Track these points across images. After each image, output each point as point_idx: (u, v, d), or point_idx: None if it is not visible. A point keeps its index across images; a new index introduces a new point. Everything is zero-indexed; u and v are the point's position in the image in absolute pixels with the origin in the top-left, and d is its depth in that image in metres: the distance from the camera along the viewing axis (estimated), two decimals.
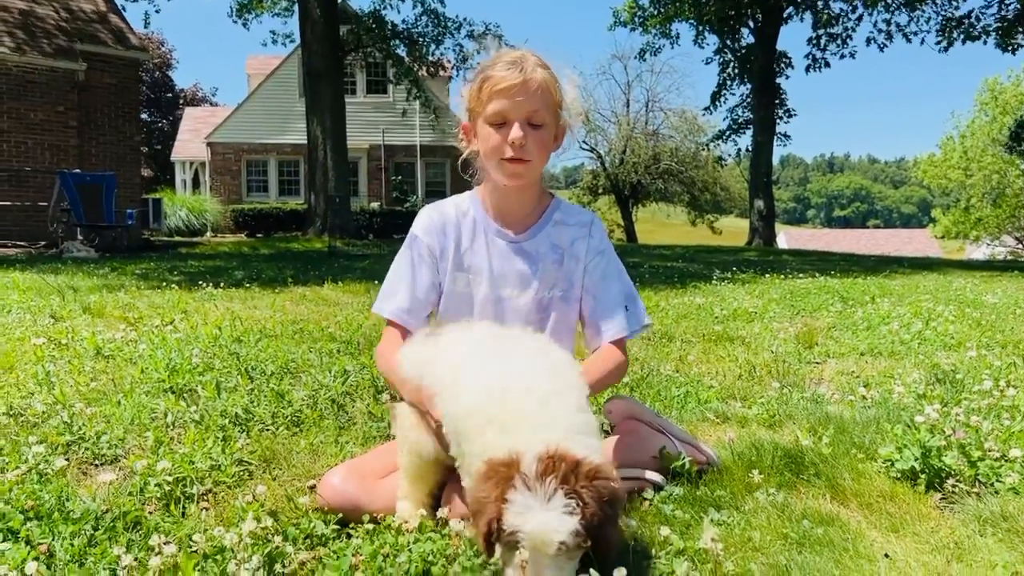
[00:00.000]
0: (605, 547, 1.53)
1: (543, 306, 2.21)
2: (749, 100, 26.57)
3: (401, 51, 20.96)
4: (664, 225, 53.99)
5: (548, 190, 2.32)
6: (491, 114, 2.07)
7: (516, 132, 2.05)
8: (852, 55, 25.74)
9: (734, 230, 41.83)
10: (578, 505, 1.47)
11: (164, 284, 7.56)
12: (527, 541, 1.46)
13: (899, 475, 2.31)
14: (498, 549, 1.53)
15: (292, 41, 21.53)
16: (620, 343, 2.21)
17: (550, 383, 1.70)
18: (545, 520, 1.45)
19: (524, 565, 1.47)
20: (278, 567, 1.66)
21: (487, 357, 1.81)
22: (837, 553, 1.81)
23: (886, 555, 1.82)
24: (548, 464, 1.50)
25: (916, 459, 2.30)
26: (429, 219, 2.24)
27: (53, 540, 1.82)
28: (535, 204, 2.25)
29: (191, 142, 31.31)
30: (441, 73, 22.56)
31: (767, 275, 9.75)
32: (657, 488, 2.20)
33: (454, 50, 21.18)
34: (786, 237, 45.48)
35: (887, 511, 2.11)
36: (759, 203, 25.35)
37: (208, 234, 23.70)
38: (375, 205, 27.19)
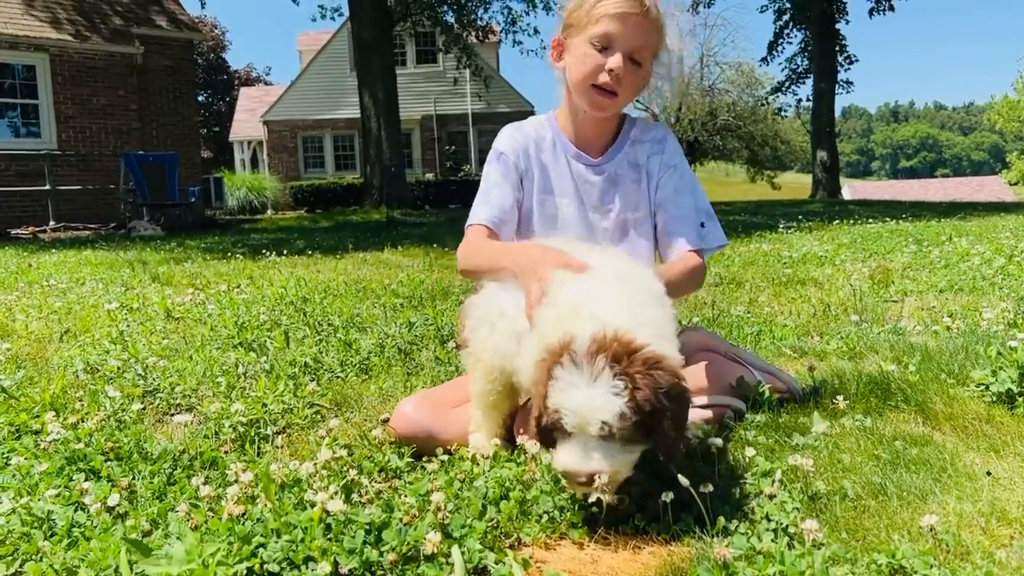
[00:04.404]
0: (663, 445, 1.46)
1: (624, 228, 2.15)
2: (808, 48, 25.69)
3: (449, 17, 20.78)
4: (722, 184, 53.04)
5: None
6: (598, 34, 1.97)
7: (616, 61, 1.97)
8: None
9: (795, 186, 40.76)
10: (628, 388, 1.40)
11: (229, 255, 7.68)
12: (569, 419, 1.41)
13: (994, 398, 2.20)
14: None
15: (340, 14, 21.52)
16: (697, 254, 2.11)
17: (629, 290, 1.63)
18: (588, 396, 1.39)
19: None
20: (355, 496, 1.65)
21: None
22: (935, 472, 1.72)
23: (988, 473, 1.71)
24: (601, 344, 1.43)
25: (1013, 381, 2.19)
26: (513, 138, 2.19)
27: (133, 478, 1.84)
28: (612, 129, 2.19)
29: (247, 122, 31.75)
30: (490, 38, 22.32)
31: (835, 222, 9.45)
32: (738, 415, 2.12)
33: (502, 13, 20.93)
34: (850, 190, 44.10)
35: (984, 433, 1.99)
36: (822, 154, 24.61)
37: (268, 211, 24.09)
38: (429, 176, 27.20)
